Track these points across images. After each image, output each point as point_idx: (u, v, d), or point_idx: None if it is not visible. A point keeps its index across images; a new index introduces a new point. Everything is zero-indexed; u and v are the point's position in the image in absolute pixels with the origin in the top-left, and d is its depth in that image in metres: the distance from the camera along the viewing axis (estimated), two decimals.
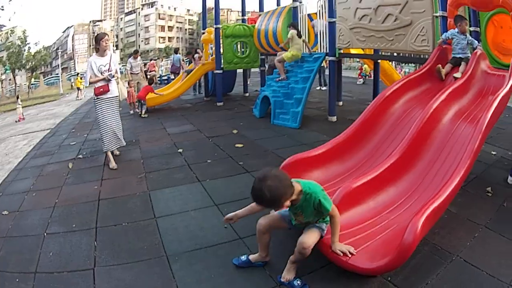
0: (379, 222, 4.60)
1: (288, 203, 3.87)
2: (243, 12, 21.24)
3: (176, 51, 27.08)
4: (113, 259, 5.16)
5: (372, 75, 22.90)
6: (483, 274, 4.20)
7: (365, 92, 19.57)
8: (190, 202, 6.86)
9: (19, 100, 28.73)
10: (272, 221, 4.40)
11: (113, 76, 9.50)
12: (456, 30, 7.90)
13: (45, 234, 6.07)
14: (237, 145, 10.13)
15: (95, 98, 9.40)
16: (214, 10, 18.21)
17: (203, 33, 20.57)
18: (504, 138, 9.22)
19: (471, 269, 4.30)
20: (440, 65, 7.68)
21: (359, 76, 26.81)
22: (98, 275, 4.84)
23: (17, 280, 4.91)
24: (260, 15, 18.78)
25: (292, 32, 13.02)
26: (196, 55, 19.16)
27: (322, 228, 4.17)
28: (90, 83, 9.44)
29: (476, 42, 7.87)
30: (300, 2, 14.84)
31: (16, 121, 24.70)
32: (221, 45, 17.70)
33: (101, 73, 9.32)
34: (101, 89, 9.31)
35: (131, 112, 16.99)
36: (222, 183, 7.60)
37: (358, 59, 28.69)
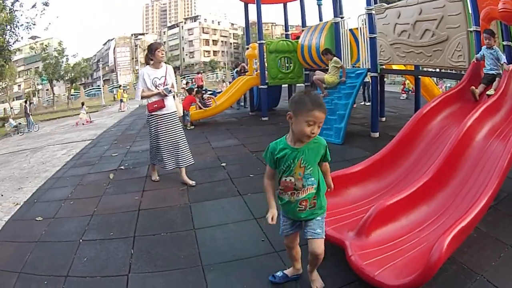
0: (409, 240, 4.72)
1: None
2: (286, 27, 21.52)
3: (236, 66, 27.60)
4: (148, 267, 5.32)
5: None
6: None
7: (408, 108, 19.31)
8: (230, 215, 7.00)
9: (84, 106, 31.45)
10: (291, 239, 4.41)
11: (170, 92, 8.67)
12: (485, 46, 7.95)
13: (80, 240, 6.27)
14: None
15: (148, 114, 8.69)
16: (257, 25, 18.39)
17: (247, 48, 20.87)
18: None
19: None
20: (473, 87, 7.67)
21: (403, 91, 26.71)
22: (131, 280, 5.00)
23: (45, 282, 5.08)
24: (303, 30, 18.89)
25: (338, 59, 13.15)
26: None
27: (322, 227, 4.14)
28: (142, 97, 8.68)
29: (503, 57, 7.80)
30: (342, 18, 15.03)
31: (83, 124, 27.24)
32: (265, 60, 17.91)
33: (156, 87, 8.57)
34: (155, 105, 8.57)
35: None
36: (263, 198, 7.40)
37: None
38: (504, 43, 9.03)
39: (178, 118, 9.07)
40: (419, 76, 14.73)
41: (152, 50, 8.54)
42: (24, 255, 5.85)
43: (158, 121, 8.70)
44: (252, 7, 19.29)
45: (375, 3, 12.59)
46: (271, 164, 4.18)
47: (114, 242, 6.13)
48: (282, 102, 22.48)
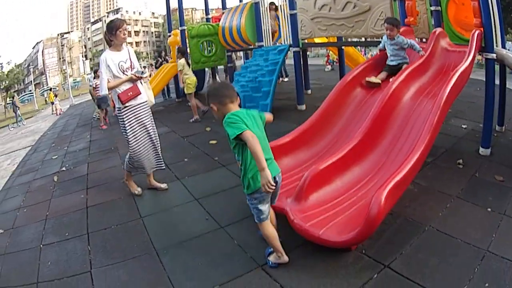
0: (346, 200, 4.87)
1: (214, 107, 4.20)
2: (207, 11, 21.54)
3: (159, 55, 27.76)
4: (107, 260, 5.34)
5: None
6: (458, 241, 4.47)
7: (334, 79, 19.28)
8: (172, 199, 7.14)
9: (57, 98, 34.11)
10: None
11: (143, 73, 7.27)
12: (385, 36, 7.87)
13: (41, 246, 6.20)
14: (211, 142, 10.38)
15: (121, 108, 7.14)
16: (178, 12, 18.48)
17: (169, 35, 20.59)
18: (474, 112, 9.48)
19: (445, 237, 4.56)
20: (367, 77, 7.46)
21: (327, 63, 27.13)
22: (95, 276, 5.03)
23: None
24: (223, 13, 18.94)
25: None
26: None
27: (253, 210, 4.28)
28: (110, 88, 7.04)
29: (409, 41, 7.54)
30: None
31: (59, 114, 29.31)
32: (188, 45, 17.99)
33: (123, 72, 7.14)
34: (130, 93, 7.13)
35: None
36: (201, 179, 7.85)
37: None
38: (432, 8, 9.29)
39: (149, 109, 7.61)
40: (342, 47, 15.00)
41: (112, 29, 7.08)
42: None
43: (134, 114, 7.26)
44: None
45: None
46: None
47: (70, 242, 6.16)
48: (207, 86, 22.13)
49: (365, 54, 28.25)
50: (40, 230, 6.84)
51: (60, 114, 31.45)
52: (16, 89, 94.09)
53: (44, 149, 14.93)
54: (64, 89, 56.36)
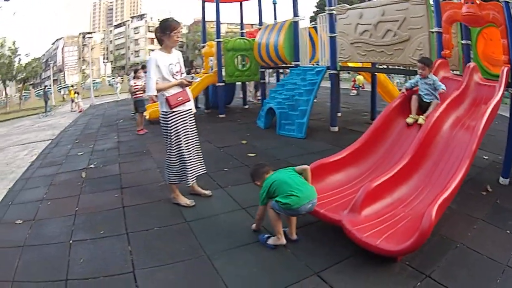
0: (396, 214, 5.32)
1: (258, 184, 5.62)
2: (242, 26, 21.75)
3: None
4: (152, 261, 5.24)
5: (365, 86, 23.57)
6: (483, 257, 4.92)
7: (360, 103, 20.11)
8: (218, 206, 7.08)
9: (80, 95, 34.58)
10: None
11: (193, 79, 7.20)
12: (418, 76, 7.94)
13: (70, 241, 6.01)
14: (249, 155, 10.46)
15: (167, 112, 6.92)
16: (216, 24, 18.53)
17: (203, 46, 21.04)
18: (494, 144, 9.72)
19: (473, 253, 5.01)
20: (407, 120, 7.57)
21: (353, 88, 27.38)
22: (139, 277, 4.91)
23: None
24: (259, 29, 19.26)
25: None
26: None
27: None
28: (158, 90, 6.80)
29: (441, 85, 7.55)
30: (303, 18, 15.54)
31: (80, 111, 29.68)
32: (223, 58, 18.09)
33: (172, 75, 6.95)
34: (180, 98, 6.93)
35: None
36: (245, 189, 7.72)
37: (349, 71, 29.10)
38: (463, 42, 9.64)
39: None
40: (375, 73, 15.16)
41: (166, 29, 6.86)
42: (13, 262, 5.51)
43: (181, 120, 7.05)
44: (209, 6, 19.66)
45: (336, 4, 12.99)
46: None
47: (107, 240, 5.99)
48: (236, 100, 22.84)
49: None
50: (69, 225, 6.67)
51: (80, 111, 31.63)
52: (32, 82, 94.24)
53: (67, 144, 14.87)
54: (83, 88, 56.40)
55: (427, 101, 7.60)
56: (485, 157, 9.09)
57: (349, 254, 5.02)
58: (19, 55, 67.01)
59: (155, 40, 7.18)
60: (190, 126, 7.25)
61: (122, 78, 69.75)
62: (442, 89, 7.43)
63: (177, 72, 7.02)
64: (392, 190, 5.69)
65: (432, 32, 9.40)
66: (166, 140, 7.10)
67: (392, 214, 5.35)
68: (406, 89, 8.11)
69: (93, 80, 50.81)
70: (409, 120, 7.42)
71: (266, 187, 5.29)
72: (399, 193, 5.74)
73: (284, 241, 5.30)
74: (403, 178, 5.88)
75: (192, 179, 7.31)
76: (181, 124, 7.02)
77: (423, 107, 7.59)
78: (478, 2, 7.83)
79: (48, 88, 45.55)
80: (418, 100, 7.64)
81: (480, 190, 7.13)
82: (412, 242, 4.41)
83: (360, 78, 26.41)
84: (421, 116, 7.31)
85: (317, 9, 59.35)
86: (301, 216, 5.48)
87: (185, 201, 7.17)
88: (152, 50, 6.64)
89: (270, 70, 25.74)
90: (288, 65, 16.29)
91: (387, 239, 4.70)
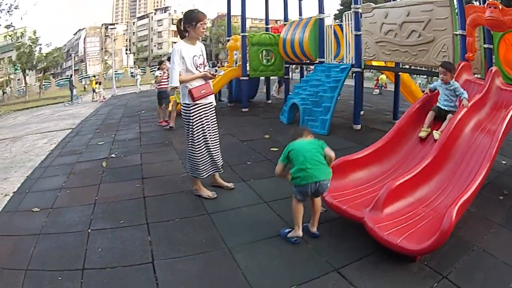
0: (418, 214, 5.40)
1: None
2: (267, 21, 21.70)
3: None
4: (172, 252, 5.24)
5: (387, 86, 23.57)
6: (499, 261, 4.95)
7: (383, 103, 20.09)
8: (239, 199, 7.08)
9: (101, 85, 35.89)
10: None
11: (217, 72, 7.18)
12: (439, 81, 7.74)
13: (89, 230, 6.03)
14: (272, 149, 10.42)
15: (190, 105, 6.86)
16: (241, 18, 18.73)
17: (228, 40, 21.11)
18: None
19: (489, 257, 5.05)
20: (420, 134, 7.39)
21: (376, 87, 27.46)
22: (158, 267, 4.91)
23: (59, 278, 4.79)
24: (284, 24, 19.30)
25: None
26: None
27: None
28: (181, 82, 6.76)
29: (463, 92, 7.30)
30: (329, 15, 15.62)
31: (102, 101, 30.53)
32: (247, 52, 18.15)
33: (196, 67, 6.92)
34: (203, 91, 6.89)
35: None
36: (268, 183, 7.80)
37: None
38: (486, 46, 9.74)
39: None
40: (399, 73, 15.15)
41: (192, 20, 6.81)
42: (28, 250, 5.52)
43: (203, 113, 7.03)
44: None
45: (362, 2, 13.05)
46: None
47: (127, 230, 6.01)
48: (259, 94, 22.83)
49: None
50: (88, 214, 6.71)
51: (103, 101, 31.98)
52: (52, 72, 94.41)
53: (88, 134, 14.98)
54: (105, 79, 56.62)
55: (445, 109, 7.50)
56: (503, 162, 9.06)
57: (369, 251, 5.08)
58: (40, 44, 67.25)
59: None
60: (213, 118, 7.25)
61: (143, 70, 69.93)
62: (464, 97, 7.19)
63: (200, 64, 7.01)
64: (413, 190, 5.76)
65: (456, 34, 9.42)
66: (188, 133, 7.07)
67: (413, 213, 5.42)
68: (430, 90, 8.03)
69: (115, 71, 50.97)
70: (422, 134, 7.29)
71: (286, 150, 5.47)
72: (420, 192, 5.81)
73: (300, 233, 5.39)
74: (424, 178, 5.95)
75: (213, 172, 7.41)
76: (205, 117, 7.01)
77: (441, 117, 7.45)
78: (500, 7, 7.89)
79: (60, 80, 46.07)
80: (434, 115, 7.49)
81: (498, 194, 7.15)
82: (432, 242, 4.48)
83: (383, 77, 26.43)
84: (435, 131, 7.14)
85: (342, 7, 59.12)
86: (323, 212, 5.72)
87: (207, 193, 7.20)
88: (175, 42, 6.54)
89: (294, 66, 25.63)
90: (313, 62, 16.31)
91: (407, 238, 4.77)
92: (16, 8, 35.09)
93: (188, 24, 6.82)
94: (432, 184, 6.01)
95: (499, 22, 8.06)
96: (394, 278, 4.57)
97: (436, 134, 7.01)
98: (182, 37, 7.03)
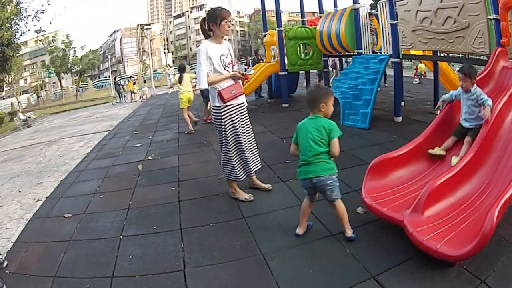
0: (459, 215, 5.21)
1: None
2: (302, 14, 21.54)
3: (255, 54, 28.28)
4: (204, 259, 5.19)
5: (427, 75, 23.27)
6: None
7: (423, 92, 19.78)
8: (277, 201, 6.92)
9: (146, 84, 38.96)
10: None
11: (247, 71, 6.48)
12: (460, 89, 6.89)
13: (121, 236, 6.08)
14: None
15: (221, 107, 6.75)
16: (275, 12, 18.67)
17: (265, 35, 21.02)
18: None
19: None
20: (430, 149, 6.76)
21: (415, 76, 27.13)
22: (189, 275, 4.88)
23: (88, 286, 4.84)
24: (320, 17, 19.18)
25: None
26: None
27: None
28: (210, 84, 6.63)
29: (486, 99, 6.44)
30: (364, 5, 15.45)
31: (143, 100, 31.65)
32: (285, 47, 18.08)
33: (224, 67, 6.77)
34: (233, 91, 6.77)
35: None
36: None
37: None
38: None
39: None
40: (437, 62, 14.89)
41: (216, 18, 6.65)
42: (57, 257, 5.61)
43: (235, 115, 6.89)
44: None
45: None
46: None
47: (159, 236, 6.00)
48: (299, 89, 22.66)
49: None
50: (121, 219, 6.75)
51: (143, 101, 32.81)
52: (90, 74, 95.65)
53: (125, 136, 15.26)
54: (143, 79, 57.31)
55: (467, 125, 6.72)
56: None
57: (408, 255, 4.93)
58: (74, 47, 68.30)
59: None
60: (245, 120, 7.15)
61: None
62: (487, 104, 6.34)
63: (228, 63, 6.87)
64: (455, 189, 5.57)
65: (490, 19, 9.16)
66: (221, 136, 6.98)
67: (454, 215, 5.24)
68: (444, 101, 7.33)
69: (154, 71, 51.52)
70: (432, 151, 6.69)
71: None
72: (461, 192, 5.61)
73: (299, 231, 5.62)
74: (466, 176, 5.74)
75: (251, 174, 7.28)
76: (236, 118, 6.88)
77: (463, 134, 6.73)
78: None
79: (98, 82, 47.41)
80: (455, 140, 6.80)
81: None
82: (472, 247, 4.33)
83: (422, 66, 26.08)
84: (454, 157, 6.42)
85: None
86: (363, 213, 5.85)
87: (243, 195, 7.12)
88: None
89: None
90: (351, 54, 16.18)
91: (447, 243, 4.62)
92: (42, 13, 35.60)
93: (212, 22, 6.70)
94: (474, 181, 5.78)
95: None
96: (432, 285, 4.44)
97: (454, 160, 6.33)
98: (206, 37, 6.88)
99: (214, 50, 6.67)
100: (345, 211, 5.37)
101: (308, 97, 5.47)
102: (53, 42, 67.30)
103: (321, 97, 5.31)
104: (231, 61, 6.96)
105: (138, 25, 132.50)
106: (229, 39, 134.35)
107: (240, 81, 7.01)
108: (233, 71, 6.91)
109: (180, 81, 14.56)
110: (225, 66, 6.80)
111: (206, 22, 6.83)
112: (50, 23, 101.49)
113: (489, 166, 5.99)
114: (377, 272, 4.66)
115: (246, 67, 8.17)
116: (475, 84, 6.67)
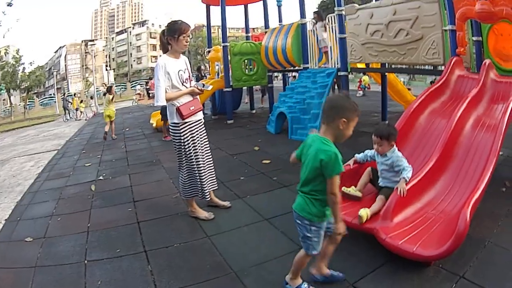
0: (428, 218, 5.29)
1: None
2: (247, 29, 21.67)
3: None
4: (176, 282, 4.93)
5: (371, 87, 23.52)
6: (511, 253, 4.91)
7: (368, 104, 20.06)
8: (239, 218, 6.75)
9: (93, 100, 39.43)
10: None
11: (204, 86, 6.65)
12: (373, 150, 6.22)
13: (85, 262, 5.72)
14: (264, 161, 10.22)
15: (178, 124, 6.51)
16: (221, 28, 18.62)
17: (209, 51, 21.01)
18: (510, 139, 9.67)
19: (501, 250, 4.99)
20: (345, 187, 6.01)
21: (359, 88, 27.60)
22: None
23: None
24: (266, 32, 19.19)
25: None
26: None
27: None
28: (169, 100, 6.40)
29: (404, 168, 5.57)
30: (310, 20, 15.57)
31: (89, 117, 31.73)
32: (229, 62, 18.02)
33: (182, 83, 6.54)
34: (192, 107, 6.53)
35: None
36: (265, 198, 7.54)
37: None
38: (474, 38, 9.84)
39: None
40: (385, 73, 15.08)
41: (175, 32, 6.36)
42: (26, 284, 5.26)
43: (194, 131, 6.66)
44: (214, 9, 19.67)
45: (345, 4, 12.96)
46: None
47: (125, 260, 5.69)
48: (243, 105, 22.87)
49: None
50: (82, 243, 6.39)
51: (87, 119, 32.64)
52: (36, 91, 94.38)
53: (74, 155, 14.88)
54: (86, 96, 56.70)
55: (380, 184, 5.93)
56: (501, 153, 8.89)
57: (382, 261, 4.89)
58: (23, 63, 67.23)
59: (157, 47, 6.83)
60: (204, 137, 6.90)
61: (123, 86, 70.64)
62: (403, 177, 5.49)
63: (186, 79, 6.63)
64: (421, 194, 5.66)
65: (446, 30, 9.37)
66: (180, 154, 6.71)
67: (423, 218, 5.33)
68: (354, 161, 6.62)
69: (96, 88, 50.90)
70: (347, 189, 6.00)
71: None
72: (427, 196, 5.73)
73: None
74: (430, 181, 5.86)
75: (208, 192, 6.93)
76: (194, 135, 6.62)
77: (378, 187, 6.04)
78: None
79: (43, 99, 47.13)
80: (370, 175, 6.18)
81: (500, 186, 7.13)
82: (449, 245, 4.38)
83: (366, 78, 26.62)
84: (364, 209, 5.28)
85: (318, 9, 59.31)
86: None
87: (204, 214, 6.83)
88: (155, 56, 6.16)
89: (275, 74, 25.40)
90: (297, 68, 16.20)
91: (422, 245, 4.65)
92: None
93: (171, 36, 6.40)
94: (438, 185, 5.93)
95: (490, 14, 8.01)
96: (412, 286, 4.42)
97: (363, 212, 5.24)
98: (165, 51, 6.63)
99: (172, 65, 6.43)
100: (304, 264, 4.35)
101: (329, 104, 4.00)
102: (5, 57, 66.16)
103: (346, 109, 3.86)
104: (189, 76, 6.73)
105: (82, 41, 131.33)
106: None
107: (198, 97, 6.81)
108: (191, 86, 6.70)
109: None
110: (183, 81, 6.56)
111: (165, 35, 6.54)
112: (3, 37, 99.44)
113: (452, 170, 6.15)
114: (355, 280, 4.59)
115: (203, 82, 8.00)
116: (394, 146, 5.87)
